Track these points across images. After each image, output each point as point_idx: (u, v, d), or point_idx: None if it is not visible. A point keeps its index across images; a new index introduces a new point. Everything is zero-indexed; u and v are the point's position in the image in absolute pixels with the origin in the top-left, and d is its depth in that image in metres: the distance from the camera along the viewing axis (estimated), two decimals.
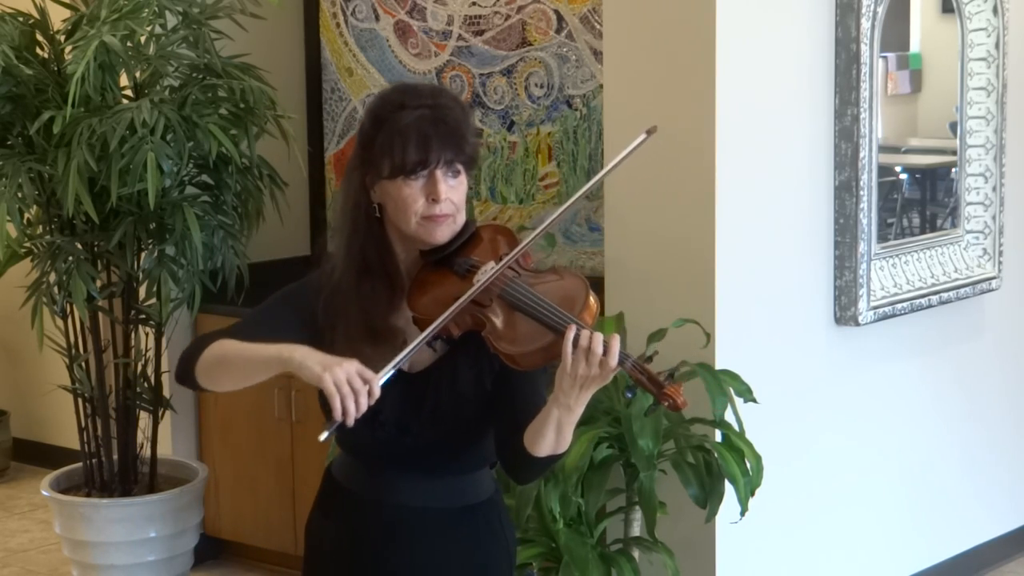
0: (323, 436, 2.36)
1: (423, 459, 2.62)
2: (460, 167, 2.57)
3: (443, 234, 2.57)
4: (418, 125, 2.51)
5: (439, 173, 2.53)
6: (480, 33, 5.32)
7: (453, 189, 2.55)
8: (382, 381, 2.38)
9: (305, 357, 2.40)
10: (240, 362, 2.50)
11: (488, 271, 2.52)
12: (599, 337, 2.39)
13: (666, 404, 2.41)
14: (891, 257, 4.71)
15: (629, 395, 2.51)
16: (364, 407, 2.35)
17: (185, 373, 2.58)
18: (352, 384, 2.35)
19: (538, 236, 2.61)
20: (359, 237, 2.58)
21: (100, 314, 4.83)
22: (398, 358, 2.43)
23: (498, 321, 2.49)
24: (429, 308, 2.52)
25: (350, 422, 2.35)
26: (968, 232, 5.04)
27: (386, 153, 2.52)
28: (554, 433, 2.48)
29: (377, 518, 2.67)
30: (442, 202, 2.54)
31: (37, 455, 6.51)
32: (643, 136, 2.62)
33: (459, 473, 2.67)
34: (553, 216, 2.61)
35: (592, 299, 2.49)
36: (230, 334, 2.58)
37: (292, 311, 2.62)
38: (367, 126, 2.58)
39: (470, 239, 2.61)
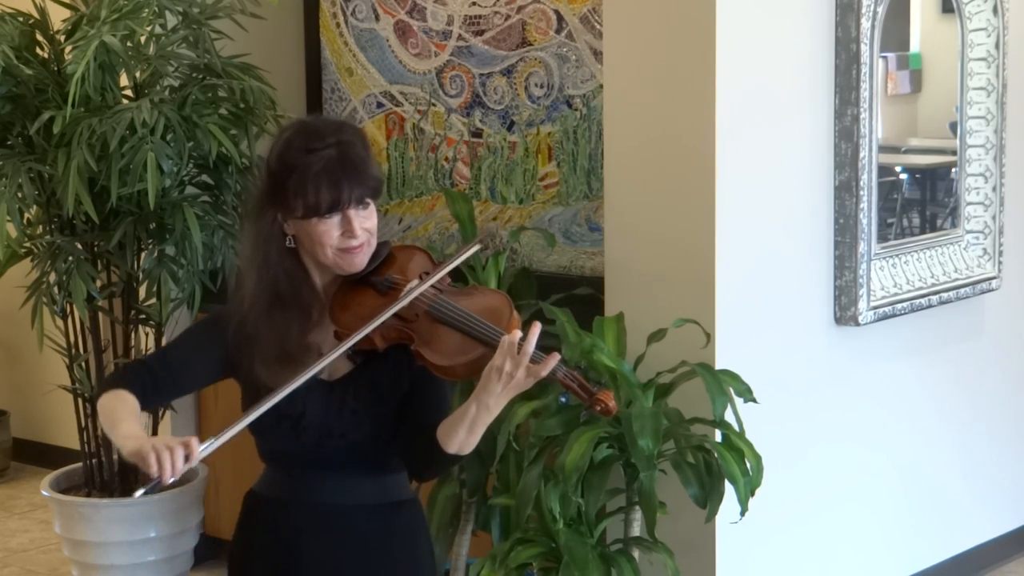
0: (138, 493, 2.53)
1: (347, 460, 2.74)
2: (368, 200, 2.70)
3: (359, 262, 2.72)
4: (328, 167, 2.65)
5: (351, 211, 2.67)
6: (480, 33, 5.32)
7: (365, 219, 2.70)
8: (203, 447, 2.53)
9: (124, 439, 2.56)
10: (105, 427, 2.67)
11: (412, 287, 2.67)
12: (532, 342, 2.53)
13: (598, 409, 2.53)
14: (891, 257, 4.71)
15: (564, 399, 2.65)
16: (180, 464, 2.47)
17: (94, 402, 2.80)
18: (169, 444, 2.49)
19: (450, 268, 2.75)
20: (270, 270, 2.72)
21: (100, 314, 4.83)
22: (231, 430, 2.61)
23: (426, 335, 2.63)
24: (351, 323, 2.67)
25: (166, 478, 2.47)
26: (968, 232, 5.04)
27: (299, 197, 2.66)
28: (466, 431, 2.61)
29: (302, 518, 2.77)
30: (357, 235, 2.68)
31: (37, 455, 6.51)
32: (476, 247, 2.87)
33: (382, 472, 2.78)
34: (454, 261, 2.75)
35: (515, 312, 2.64)
36: (145, 363, 2.78)
37: (207, 340, 2.78)
38: (276, 170, 2.69)
39: (387, 259, 2.76)
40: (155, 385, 2.74)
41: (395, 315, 2.64)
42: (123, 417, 2.63)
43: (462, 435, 2.61)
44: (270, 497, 2.82)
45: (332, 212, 2.66)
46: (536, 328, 2.54)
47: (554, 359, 2.53)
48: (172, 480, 2.47)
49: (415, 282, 2.68)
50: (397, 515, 2.81)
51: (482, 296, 2.72)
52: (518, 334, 2.54)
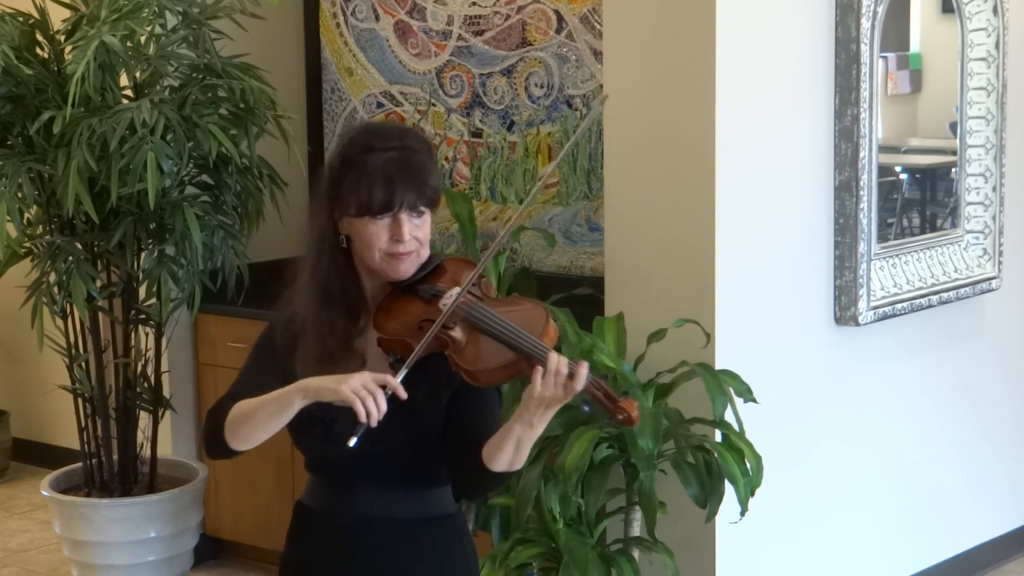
0: (352, 441, 2.51)
1: (382, 469, 2.71)
2: (423, 208, 2.70)
3: (407, 269, 2.71)
4: (384, 169, 2.65)
5: (403, 215, 2.67)
6: (480, 33, 5.33)
7: (417, 228, 2.70)
8: (400, 377, 2.53)
9: (319, 382, 2.56)
10: (263, 411, 2.63)
11: (453, 295, 2.66)
12: (565, 361, 2.54)
13: (620, 418, 2.54)
14: (891, 257, 4.71)
15: (587, 409, 2.63)
16: (384, 405, 2.49)
17: (216, 445, 2.71)
18: (367, 387, 2.49)
19: (499, 245, 2.73)
20: (322, 267, 2.71)
21: (100, 314, 4.83)
22: (412, 356, 2.58)
23: (461, 341, 2.64)
24: (394, 330, 2.68)
25: (374, 422, 2.48)
26: (968, 232, 5.04)
27: (353, 193, 2.65)
28: (513, 449, 2.60)
29: (339, 530, 2.76)
30: (405, 242, 2.67)
31: (37, 455, 6.51)
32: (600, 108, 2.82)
33: (418, 486, 2.76)
34: (510, 225, 2.75)
35: (552, 323, 2.64)
36: (231, 396, 2.73)
37: (267, 355, 2.76)
38: (336, 165, 2.70)
39: (434, 271, 2.75)
40: None
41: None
42: (264, 397, 2.63)
43: (509, 454, 2.60)
44: (312, 508, 2.80)
45: (383, 213, 2.65)
46: (583, 366, 2.54)
47: (584, 368, 2.53)
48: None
49: (455, 290, 2.69)
50: (431, 530, 2.77)
51: (522, 306, 2.71)
52: (553, 356, 2.53)
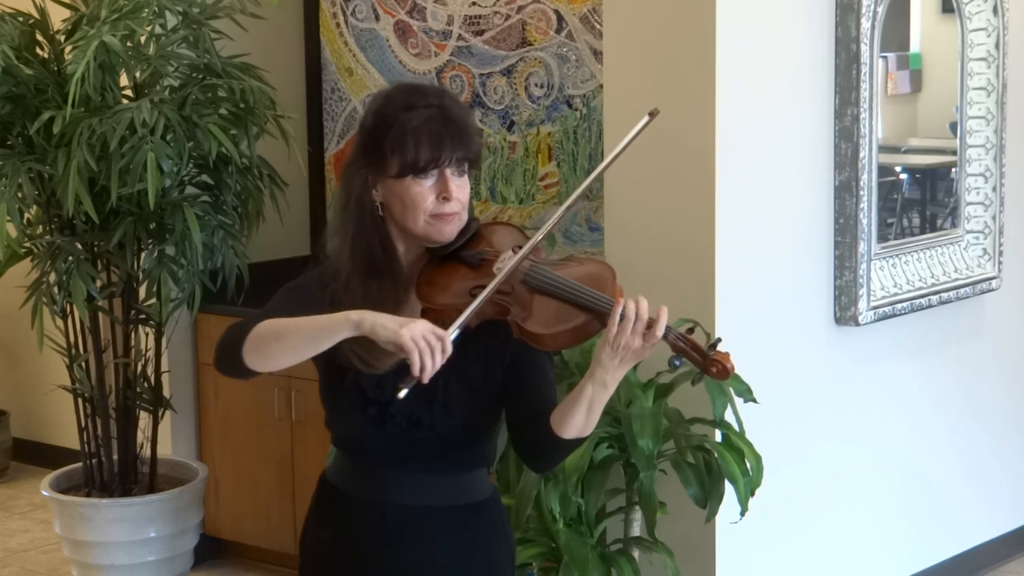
0: (402, 393, 2.39)
1: (427, 455, 2.63)
2: (466, 166, 2.60)
3: (451, 231, 2.59)
4: (428, 125, 2.54)
5: (448, 172, 2.57)
6: (480, 33, 5.33)
7: (460, 188, 2.59)
8: (452, 337, 2.40)
9: (377, 317, 2.40)
10: (299, 333, 2.46)
11: (507, 259, 2.55)
12: (645, 304, 2.42)
13: (714, 371, 2.43)
14: (891, 257, 4.71)
15: (677, 363, 2.49)
16: (440, 363, 2.36)
17: (229, 358, 2.52)
18: (428, 340, 2.36)
19: (553, 225, 2.61)
20: (364, 237, 2.60)
21: (100, 314, 4.83)
22: (464, 315, 2.45)
23: (523, 305, 2.52)
24: (444, 300, 2.56)
25: (426, 378, 2.36)
26: (968, 232, 5.04)
27: (396, 152, 2.54)
28: (584, 413, 2.50)
29: (379, 520, 2.66)
30: (452, 200, 2.56)
31: (37, 455, 6.51)
32: (646, 119, 2.69)
33: (459, 471, 2.68)
34: (564, 206, 2.61)
35: (618, 281, 2.52)
36: (258, 316, 2.55)
37: (301, 304, 2.59)
38: (372, 126, 2.58)
39: (474, 236, 2.64)
40: None
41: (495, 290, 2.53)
42: (307, 318, 2.45)
43: (580, 419, 2.49)
44: (342, 492, 2.68)
45: (429, 170, 2.54)
46: (663, 310, 2.43)
47: (664, 315, 2.42)
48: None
49: (508, 253, 2.58)
50: (472, 517, 2.69)
51: (580, 265, 2.59)
52: (629, 303, 2.41)
